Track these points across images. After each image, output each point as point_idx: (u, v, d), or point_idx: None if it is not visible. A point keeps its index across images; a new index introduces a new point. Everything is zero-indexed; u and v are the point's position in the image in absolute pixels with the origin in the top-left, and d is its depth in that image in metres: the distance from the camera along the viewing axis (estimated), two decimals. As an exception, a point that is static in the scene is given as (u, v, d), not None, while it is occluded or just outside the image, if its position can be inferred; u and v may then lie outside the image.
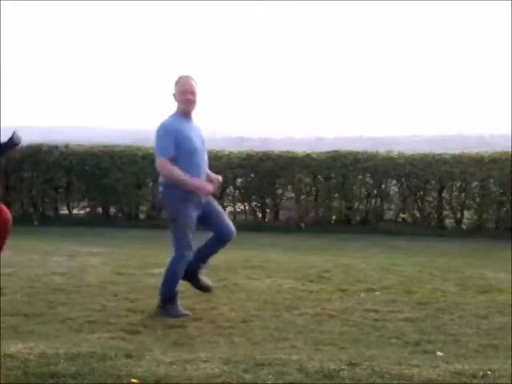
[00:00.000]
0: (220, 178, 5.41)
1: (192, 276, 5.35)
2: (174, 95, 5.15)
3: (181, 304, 5.17)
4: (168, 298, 5.15)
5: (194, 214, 5.15)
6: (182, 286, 5.90)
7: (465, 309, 5.31)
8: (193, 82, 5.16)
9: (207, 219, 5.28)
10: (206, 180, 5.25)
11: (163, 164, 5.08)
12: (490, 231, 11.49)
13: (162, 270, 6.67)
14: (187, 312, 5.10)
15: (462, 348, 4.25)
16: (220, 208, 5.48)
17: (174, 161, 5.04)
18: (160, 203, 5.12)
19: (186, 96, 5.09)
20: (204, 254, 5.45)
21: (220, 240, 5.44)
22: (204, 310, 5.22)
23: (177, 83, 5.16)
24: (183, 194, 5.05)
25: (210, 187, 5.19)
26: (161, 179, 5.25)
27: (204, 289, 5.43)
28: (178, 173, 5.03)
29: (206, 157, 5.28)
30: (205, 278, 5.46)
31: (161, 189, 5.24)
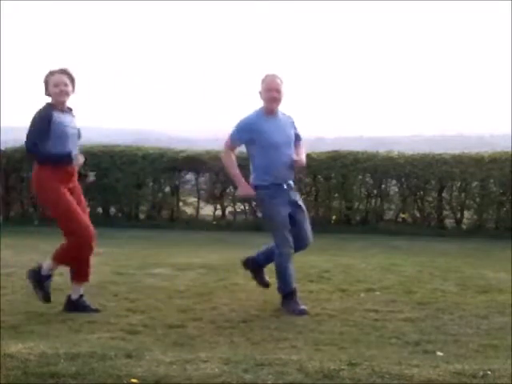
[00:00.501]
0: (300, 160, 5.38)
1: (258, 270, 5.63)
2: (260, 93, 5.31)
3: (194, 303, 5.18)
4: (286, 294, 5.31)
5: (284, 210, 5.31)
6: (182, 285, 5.92)
7: (465, 309, 5.31)
8: (278, 81, 5.30)
9: (293, 223, 5.40)
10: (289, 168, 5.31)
11: (224, 154, 5.48)
12: (490, 231, 11.49)
13: (162, 270, 6.70)
14: (304, 307, 5.22)
15: (462, 348, 4.25)
16: (304, 213, 5.49)
17: (252, 155, 5.37)
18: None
19: (270, 94, 5.26)
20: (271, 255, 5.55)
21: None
22: (204, 310, 5.22)
23: (263, 81, 5.31)
24: (270, 192, 5.25)
25: (245, 191, 5.36)
26: (250, 180, 5.42)
27: (264, 285, 5.65)
28: (229, 165, 5.41)
29: (289, 151, 5.33)
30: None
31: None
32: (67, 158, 5.06)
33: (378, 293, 5.89)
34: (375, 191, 12.15)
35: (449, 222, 11.98)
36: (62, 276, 6.44)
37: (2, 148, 12.71)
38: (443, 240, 10.61)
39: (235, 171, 5.39)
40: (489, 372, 3.46)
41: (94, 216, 12.25)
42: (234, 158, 5.46)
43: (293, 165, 5.35)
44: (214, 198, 12.45)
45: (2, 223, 11.87)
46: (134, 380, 3.32)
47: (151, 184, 12.57)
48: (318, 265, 7.16)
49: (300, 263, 7.43)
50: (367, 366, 3.53)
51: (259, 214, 12.55)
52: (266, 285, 5.67)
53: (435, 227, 11.78)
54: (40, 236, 10.27)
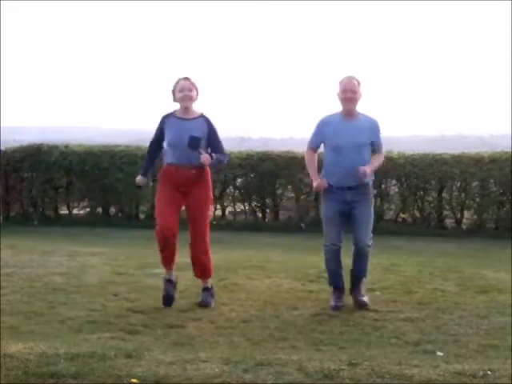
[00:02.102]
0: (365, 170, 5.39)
1: (351, 288, 5.52)
2: (338, 94, 5.37)
3: (194, 303, 5.22)
4: (329, 283, 5.54)
5: (336, 207, 5.39)
6: (182, 286, 5.91)
7: (465, 309, 5.31)
8: (355, 82, 5.35)
9: (350, 221, 5.51)
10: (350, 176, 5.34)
11: (305, 152, 5.60)
12: (489, 231, 11.50)
13: (162, 270, 6.69)
14: (339, 304, 5.32)
15: (462, 348, 4.25)
16: (363, 215, 5.56)
17: (324, 154, 5.50)
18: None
19: (345, 94, 5.31)
20: (353, 266, 5.59)
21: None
22: (204, 310, 5.22)
23: (340, 83, 5.37)
24: (328, 186, 5.39)
25: (318, 185, 5.41)
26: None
27: (357, 305, 5.41)
28: (307, 163, 5.56)
29: (355, 155, 5.35)
30: (365, 294, 5.48)
31: None
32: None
33: (378, 293, 5.89)
34: (375, 191, 12.14)
35: (449, 222, 11.98)
36: (62, 276, 6.46)
37: (2, 148, 12.71)
38: (443, 240, 10.61)
39: (310, 169, 5.52)
40: (489, 372, 3.46)
41: (94, 216, 12.42)
42: (313, 157, 5.54)
43: (356, 171, 5.35)
44: (214, 198, 12.44)
45: (1, 223, 11.87)
46: (133, 380, 3.32)
47: (151, 184, 12.55)
48: (318, 265, 7.14)
49: (300, 263, 7.46)
50: (367, 365, 3.53)
51: (259, 215, 12.62)
52: (360, 306, 5.44)
53: (435, 227, 11.78)
54: (40, 236, 10.28)
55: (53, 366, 3.46)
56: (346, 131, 5.34)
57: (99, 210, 12.72)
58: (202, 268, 5.49)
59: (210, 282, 5.54)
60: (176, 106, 5.41)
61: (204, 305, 5.34)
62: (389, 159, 11.90)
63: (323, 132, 5.41)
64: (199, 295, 5.51)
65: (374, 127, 5.49)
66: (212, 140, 5.34)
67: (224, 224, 12.11)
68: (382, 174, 11.94)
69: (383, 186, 12.15)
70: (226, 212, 12.69)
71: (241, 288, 6.04)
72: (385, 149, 13.57)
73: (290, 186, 12.35)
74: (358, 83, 5.36)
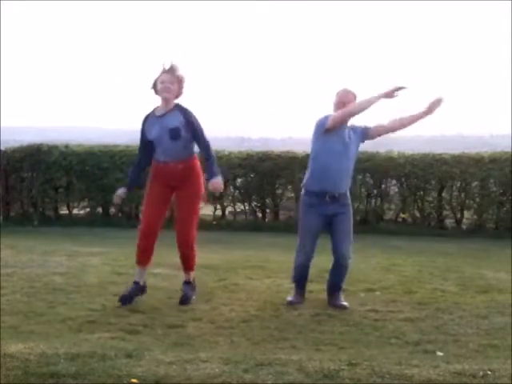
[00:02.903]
0: None
1: (329, 297, 5.57)
2: (334, 105, 5.42)
3: (194, 303, 5.17)
4: (292, 279, 5.67)
5: (315, 219, 5.43)
6: (179, 286, 5.89)
7: (465, 309, 5.31)
8: (350, 95, 5.38)
9: (330, 230, 5.55)
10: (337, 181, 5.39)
11: (343, 111, 5.39)
12: (489, 231, 11.50)
13: (162, 270, 6.69)
14: (294, 300, 5.42)
15: (462, 348, 4.25)
16: (344, 228, 5.58)
17: (310, 155, 5.53)
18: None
19: (337, 106, 5.36)
20: (331, 277, 5.66)
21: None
22: (204, 310, 5.22)
23: (336, 94, 5.42)
24: (309, 199, 5.44)
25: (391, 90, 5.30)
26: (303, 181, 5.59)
27: (338, 307, 5.43)
28: (361, 102, 5.35)
29: (346, 161, 5.39)
30: (343, 300, 5.52)
31: None
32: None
33: (378, 293, 5.90)
34: (375, 191, 12.15)
35: (449, 222, 11.98)
36: (62, 276, 6.46)
37: (2, 148, 12.70)
38: (443, 240, 10.61)
39: (371, 98, 5.29)
40: (489, 372, 3.46)
41: (94, 216, 12.42)
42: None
43: (345, 178, 5.45)
44: (214, 198, 12.45)
45: (1, 223, 11.87)
46: (133, 380, 3.32)
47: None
48: (318, 265, 7.14)
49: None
50: (367, 365, 3.53)
51: (259, 215, 12.61)
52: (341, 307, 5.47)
53: (435, 227, 11.78)
54: (40, 236, 10.28)
55: (53, 365, 3.46)
56: (342, 137, 5.36)
57: (99, 209, 12.71)
58: (183, 260, 5.51)
59: (192, 276, 5.58)
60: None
61: (184, 298, 5.37)
62: (389, 159, 11.94)
63: (321, 135, 5.41)
64: (199, 295, 5.52)
65: (358, 133, 5.48)
66: (190, 127, 5.27)
67: (224, 224, 12.12)
68: (382, 173, 11.96)
69: (383, 186, 12.15)
70: (226, 212, 12.68)
71: (241, 288, 6.04)
72: (385, 149, 13.55)
73: (290, 186, 12.34)
74: (354, 96, 5.40)
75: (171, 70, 5.26)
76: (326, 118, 5.37)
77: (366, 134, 5.52)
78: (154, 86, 5.32)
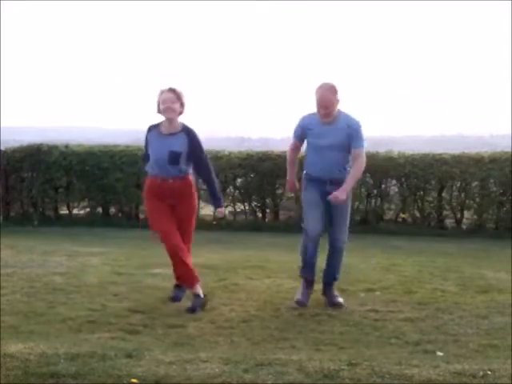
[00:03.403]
0: None
1: (324, 289, 5.65)
2: (315, 101, 5.43)
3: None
4: (301, 273, 5.63)
5: (316, 193, 5.49)
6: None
7: (465, 309, 5.31)
8: (328, 94, 5.35)
9: (327, 214, 5.53)
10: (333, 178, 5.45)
11: (288, 150, 5.83)
12: (489, 231, 11.49)
13: (162, 270, 6.69)
14: (302, 300, 5.39)
15: (462, 348, 4.25)
16: (341, 212, 5.53)
17: (306, 149, 5.64)
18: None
19: (319, 109, 5.38)
20: (326, 267, 5.69)
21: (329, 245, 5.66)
22: (204, 310, 5.22)
23: (316, 92, 5.42)
24: (309, 176, 5.57)
25: (289, 187, 5.85)
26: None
27: (331, 305, 5.44)
28: (289, 160, 5.81)
29: (336, 156, 5.42)
30: (338, 294, 5.59)
31: None
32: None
33: (378, 293, 5.90)
34: (375, 191, 12.14)
35: (449, 222, 11.97)
36: (62, 276, 6.46)
37: (2, 148, 12.70)
38: (443, 240, 10.61)
39: (288, 166, 5.77)
40: (489, 372, 3.46)
41: (94, 216, 12.42)
42: (293, 154, 5.74)
43: (337, 169, 5.47)
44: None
45: (1, 223, 11.87)
46: (133, 380, 3.32)
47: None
48: (318, 265, 7.15)
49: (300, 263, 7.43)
50: (367, 365, 3.53)
51: (259, 215, 12.61)
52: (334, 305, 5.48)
53: (435, 227, 11.77)
54: (40, 236, 10.28)
55: (53, 365, 3.46)
56: (325, 133, 5.40)
57: (99, 209, 12.70)
58: (182, 280, 5.48)
59: (199, 289, 5.37)
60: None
61: (191, 309, 5.21)
62: (389, 159, 11.93)
63: (305, 128, 5.50)
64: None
65: (353, 131, 5.40)
66: (194, 154, 5.33)
67: (224, 224, 12.10)
68: (382, 173, 11.95)
69: (383, 185, 12.15)
70: (226, 212, 12.68)
71: (241, 288, 6.04)
72: (385, 149, 13.55)
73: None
74: (334, 93, 5.33)
75: (171, 90, 5.28)
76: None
77: (350, 145, 5.45)
78: (158, 107, 5.33)
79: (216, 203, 5.62)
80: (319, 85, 5.40)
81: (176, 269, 5.39)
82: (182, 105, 5.30)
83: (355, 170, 5.44)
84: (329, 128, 5.41)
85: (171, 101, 5.23)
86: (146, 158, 5.54)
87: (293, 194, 5.44)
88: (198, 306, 5.22)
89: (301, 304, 5.38)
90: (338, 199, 5.31)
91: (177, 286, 5.60)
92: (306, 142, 5.62)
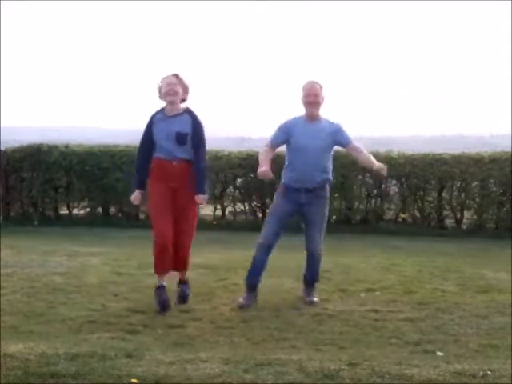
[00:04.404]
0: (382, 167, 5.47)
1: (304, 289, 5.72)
2: (301, 98, 5.51)
3: (194, 303, 5.16)
4: (246, 283, 5.57)
5: (287, 207, 5.55)
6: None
7: (465, 309, 5.31)
8: (317, 86, 5.49)
9: (303, 222, 5.63)
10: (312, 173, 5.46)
11: (261, 150, 5.66)
12: (489, 231, 11.49)
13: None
14: (248, 303, 5.36)
15: (462, 348, 4.25)
16: (316, 219, 5.59)
17: (286, 155, 5.60)
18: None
19: (308, 98, 5.45)
20: (306, 271, 5.76)
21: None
22: (204, 310, 5.22)
23: (303, 88, 5.50)
24: (284, 187, 5.58)
25: (262, 172, 5.37)
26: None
27: (308, 303, 5.53)
28: (261, 153, 5.58)
29: (315, 157, 5.45)
30: (315, 295, 5.66)
31: None
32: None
33: (378, 293, 5.90)
34: (375, 191, 12.15)
35: (449, 222, 11.98)
36: (62, 276, 6.47)
37: (2, 148, 12.70)
38: (443, 240, 10.61)
39: (262, 156, 5.51)
40: (489, 372, 3.46)
41: (94, 216, 12.42)
42: (269, 153, 5.56)
43: (319, 171, 5.49)
44: (214, 198, 12.45)
45: (1, 223, 11.87)
46: (133, 380, 3.32)
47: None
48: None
49: (300, 263, 7.43)
50: (367, 366, 3.53)
51: (259, 215, 12.61)
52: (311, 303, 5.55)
53: (435, 227, 11.78)
54: (40, 236, 10.28)
55: (53, 365, 3.47)
56: (310, 133, 5.45)
57: (99, 209, 12.70)
58: (184, 261, 5.52)
59: (186, 276, 5.66)
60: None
61: (183, 296, 5.47)
62: (389, 159, 11.92)
63: (288, 133, 5.49)
64: (199, 295, 5.53)
65: (337, 130, 5.51)
66: (195, 138, 5.33)
67: (224, 224, 12.11)
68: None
69: (383, 185, 12.15)
70: (226, 212, 12.68)
71: (241, 288, 6.03)
72: (385, 149, 13.57)
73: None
74: (321, 87, 5.50)
75: (174, 75, 5.31)
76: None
77: (342, 145, 5.56)
78: (159, 91, 5.36)
79: (198, 189, 5.34)
80: (305, 82, 5.52)
81: (156, 257, 5.35)
82: (185, 90, 5.33)
83: (368, 155, 5.59)
84: (313, 127, 5.47)
85: (174, 84, 5.27)
86: (143, 142, 5.58)
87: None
88: (189, 290, 5.56)
89: (245, 306, 5.31)
90: (382, 171, 5.40)
91: (181, 283, 5.62)
92: (286, 149, 5.59)
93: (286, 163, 5.61)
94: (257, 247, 5.62)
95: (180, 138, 5.25)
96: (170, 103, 5.30)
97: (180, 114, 5.32)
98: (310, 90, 5.46)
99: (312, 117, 5.50)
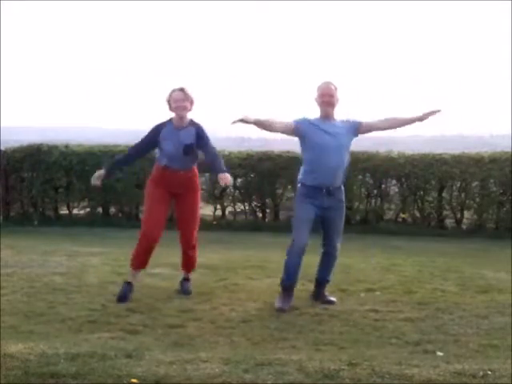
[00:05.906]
0: None
1: (316, 294, 5.68)
2: (316, 99, 5.51)
3: (194, 303, 5.17)
4: (282, 286, 5.49)
5: (311, 210, 5.47)
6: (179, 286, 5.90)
7: (465, 309, 5.31)
8: (332, 87, 5.49)
9: (322, 224, 5.62)
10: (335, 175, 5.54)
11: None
12: (489, 231, 11.50)
13: (162, 270, 6.70)
14: (286, 306, 5.30)
15: (462, 348, 4.25)
16: (338, 221, 5.75)
17: (302, 152, 5.59)
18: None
19: (323, 98, 5.46)
20: (320, 269, 5.75)
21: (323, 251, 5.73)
22: (204, 310, 5.22)
23: (318, 88, 5.51)
24: (306, 189, 5.49)
25: (246, 117, 5.29)
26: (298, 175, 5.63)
27: (323, 302, 5.55)
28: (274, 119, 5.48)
29: (339, 155, 5.48)
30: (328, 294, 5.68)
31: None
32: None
33: (378, 293, 5.90)
34: (375, 191, 12.15)
35: (449, 222, 11.99)
36: (62, 276, 6.47)
37: (2, 148, 12.70)
38: (443, 240, 10.61)
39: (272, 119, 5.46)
40: (489, 372, 3.46)
41: (94, 216, 12.42)
42: (278, 123, 5.46)
43: (339, 170, 5.54)
44: (214, 198, 12.46)
45: (1, 223, 11.87)
46: (133, 380, 3.32)
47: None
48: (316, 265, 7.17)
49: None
50: (367, 366, 3.53)
51: (259, 215, 12.62)
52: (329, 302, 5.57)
53: (435, 227, 11.78)
54: (40, 236, 10.28)
55: (53, 365, 3.47)
56: (330, 132, 5.44)
57: (99, 209, 12.71)
58: (191, 262, 5.92)
59: (190, 273, 6.01)
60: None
61: (185, 292, 5.75)
62: (389, 159, 11.94)
63: (308, 125, 5.46)
64: (199, 295, 5.54)
65: (348, 120, 5.56)
66: (201, 145, 5.61)
67: (224, 224, 12.12)
68: (382, 173, 11.96)
69: (383, 185, 12.16)
70: (226, 212, 12.69)
71: (241, 288, 6.04)
72: (385, 149, 13.59)
73: (289, 186, 12.33)
74: (335, 88, 5.50)
75: (181, 89, 5.59)
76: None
77: (358, 129, 5.56)
78: (169, 106, 5.64)
79: (219, 170, 5.43)
80: (320, 83, 5.52)
81: (137, 254, 5.71)
82: (191, 102, 5.64)
83: (398, 117, 5.62)
84: (331, 126, 5.47)
85: (182, 99, 5.56)
86: (137, 146, 5.78)
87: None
88: (191, 287, 5.84)
89: (282, 310, 5.27)
90: (432, 114, 5.35)
91: (184, 280, 5.93)
92: (303, 146, 5.56)
93: (306, 164, 5.54)
94: (289, 252, 5.49)
95: (187, 150, 5.58)
96: (180, 118, 5.60)
97: (186, 127, 5.62)
98: (325, 90, 5.46)
99: (327, 117, 5.48)
